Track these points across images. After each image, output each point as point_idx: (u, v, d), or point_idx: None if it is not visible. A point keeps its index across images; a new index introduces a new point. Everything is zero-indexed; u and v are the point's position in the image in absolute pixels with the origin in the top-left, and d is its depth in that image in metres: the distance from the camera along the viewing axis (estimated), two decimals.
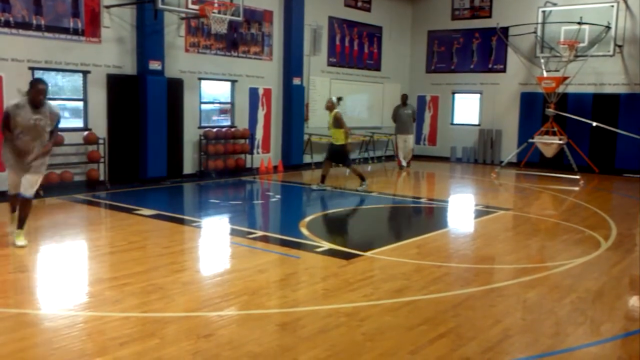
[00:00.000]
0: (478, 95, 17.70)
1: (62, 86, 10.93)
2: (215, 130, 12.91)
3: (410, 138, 15.57)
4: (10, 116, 6.43)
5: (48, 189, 9.87)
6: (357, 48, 17.00)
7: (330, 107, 11.23)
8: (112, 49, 11.14)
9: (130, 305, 4.78)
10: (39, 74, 10.07)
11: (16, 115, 6.42)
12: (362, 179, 11.21)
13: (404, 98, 15.64)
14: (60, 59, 10.35)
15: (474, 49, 17.68)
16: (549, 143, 14.01)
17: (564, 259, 6.58)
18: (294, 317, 4.67)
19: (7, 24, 9.66)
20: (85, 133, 10.72)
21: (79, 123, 10.90)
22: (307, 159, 15.28)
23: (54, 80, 10.59)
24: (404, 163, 15.33)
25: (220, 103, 13.77)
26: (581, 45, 14.47)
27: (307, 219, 8.58)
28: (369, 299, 5.08)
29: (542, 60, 15.30)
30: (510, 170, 15.28)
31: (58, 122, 6.71)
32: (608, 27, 14.54)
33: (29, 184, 6.56)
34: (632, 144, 14.31)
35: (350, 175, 11.88)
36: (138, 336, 4.16)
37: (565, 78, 14.45)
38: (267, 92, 14.34)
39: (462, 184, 13.64)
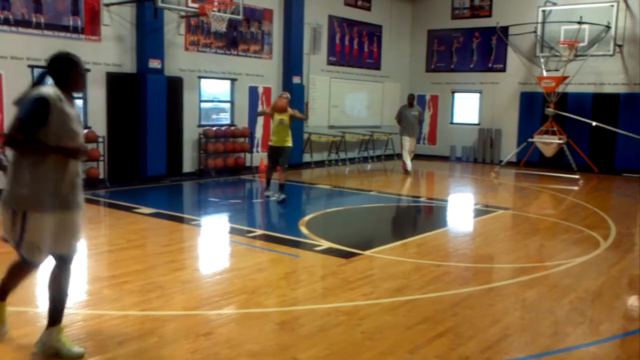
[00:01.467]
0: (478, 95, 17.69)
1: None
2: (214, 128, 12.91)
3: (414, 141, 14.59)
4: (51, 113, 3.47)
5: None
6: (356, 47, 16.99)
7: (287, 105, 9.97)
8: (112, 47, 11.13)
9: (129, 304, 4.78)
10: (38, 73, 10.03)
11: (62, 114, 3.53)
12: (281, 188, 9.94)
13: (411, 98, 14.51)
14: None
15: (474, 48, 17.67)
16: (548, 142, 14.01)
17: (563, 259, 6.59)
18: (293, 315, 4.67)
19: (6, 21, 9.65)
20: (85, 131, 10.70)
21: None
22: (306, 157, 15.28)
23: None
24: (409, 168, 14.25)
25: (219, 102, 13.77)
26: (581, 44, 14.46)
27: (307, 217, 8.58)
28: (368, 297, 5.08)
29: (541, 60, 15.30)
30: (510, 169, 15.27)
31: None
32: (608, 27, 14.53)
33: (77, 232, 3.96)
34: (631, 144, 14.31)
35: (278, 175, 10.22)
36: (137, 335, 4.16)
37: (565, 77, 14.45)
38: (267, 90, 14.34)
39: (462, 183, 13.63)
